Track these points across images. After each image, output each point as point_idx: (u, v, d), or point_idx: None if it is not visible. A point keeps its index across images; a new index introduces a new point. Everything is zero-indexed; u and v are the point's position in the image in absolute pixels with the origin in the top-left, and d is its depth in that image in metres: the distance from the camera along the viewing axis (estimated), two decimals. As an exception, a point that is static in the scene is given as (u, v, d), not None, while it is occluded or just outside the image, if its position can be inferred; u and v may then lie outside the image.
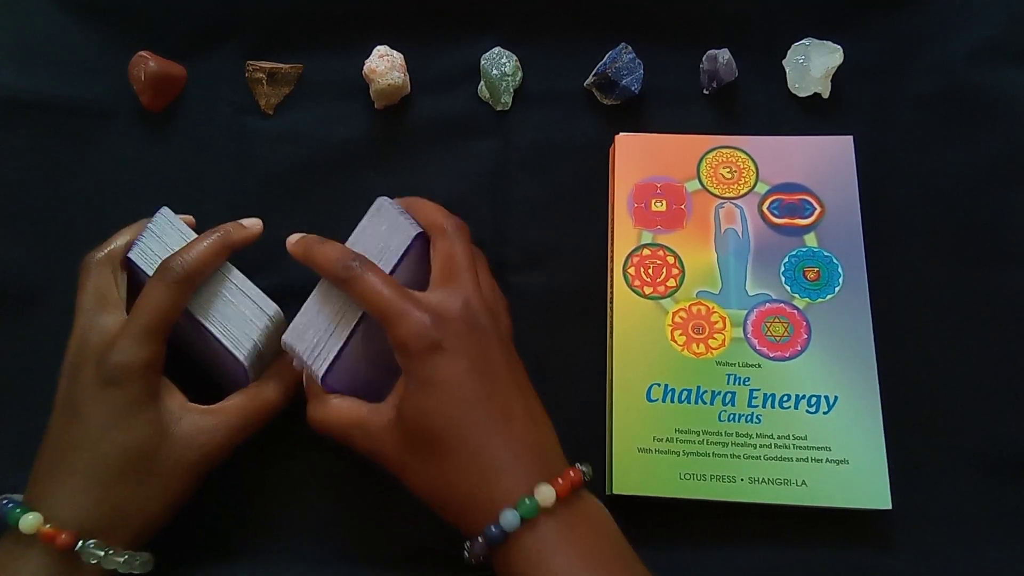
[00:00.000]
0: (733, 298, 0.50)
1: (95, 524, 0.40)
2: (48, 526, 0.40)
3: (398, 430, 0.41)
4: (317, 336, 0.44)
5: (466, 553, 0.40)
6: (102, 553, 0.40)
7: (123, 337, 0.42)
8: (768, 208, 0.52)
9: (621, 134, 0.54)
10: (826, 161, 0.53)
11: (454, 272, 0.43)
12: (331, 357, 0.43)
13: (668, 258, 0.51)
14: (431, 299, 0.42)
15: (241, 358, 0.45)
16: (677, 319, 0.50)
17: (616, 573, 0.38)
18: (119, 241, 0.47)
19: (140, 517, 0.42)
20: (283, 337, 0.45)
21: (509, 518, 0.38)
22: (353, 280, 0.42)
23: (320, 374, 0.43)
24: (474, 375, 0.41)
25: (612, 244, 0.52)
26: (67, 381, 0.43)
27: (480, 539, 0.39)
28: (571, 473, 0.40)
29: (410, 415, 0.40)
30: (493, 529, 0.38)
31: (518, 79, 0.58)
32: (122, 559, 0.40)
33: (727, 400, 0.48)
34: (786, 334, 0.49)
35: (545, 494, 0.38)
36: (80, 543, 0.40)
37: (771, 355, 0.49)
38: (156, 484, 0.42)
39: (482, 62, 0.58)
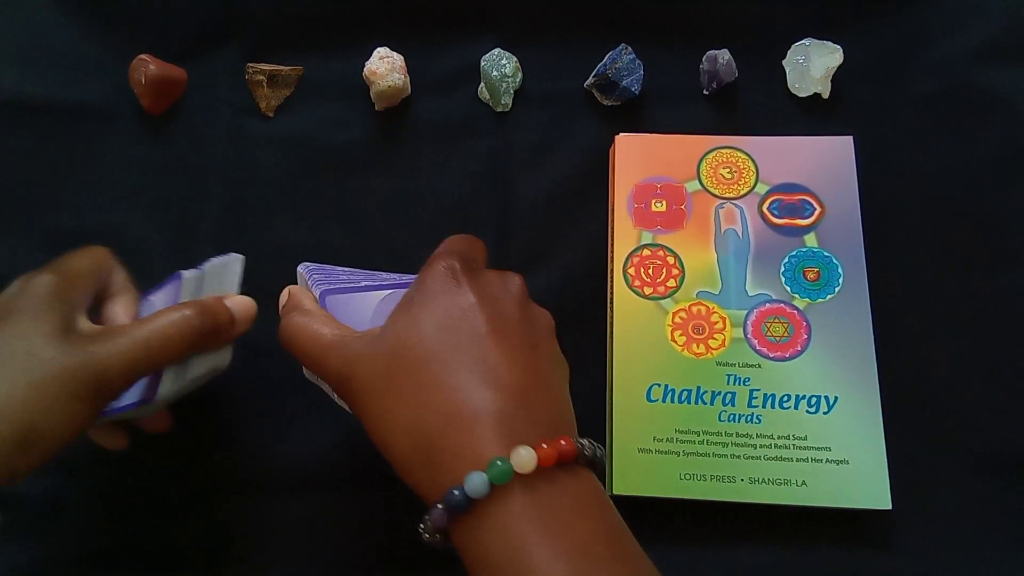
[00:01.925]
0: (733, 298, 0.50)
1: None
2: None
3: (380, 351, 0.37)
4: (337, 274, 0.44)
5: (422, 528, 0.34)
6: None
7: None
8: (768, 208, 0.52)
9: (621, 134, 0.54)
10: (826, 161, 0.53)
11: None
12: (340, 285, 0.42)
13: (668, 258, 0.51)
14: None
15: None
16: (677, 319, 0.50)
17: (604, 565, 0.33)
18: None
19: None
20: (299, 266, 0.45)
21: (476, 481, 0.32)
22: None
23: (319, 292, 0.42)
24: (484, 313, 0.37)
25: (612, 244, 0.52)
26: None
27: (440, 506, 0.33)
28: (562, 442, 0.34)
29: (401, 326, 0.37)
30: (456, 493, 0.32)
31: (518, 80, 0.58)
32: None
33: (727, 400, 0.48)
34: (786, 334, 0.49)
35: (523, 459, 0.33)
36: None
37: (771, 355, 0.49)
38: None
39: (482, 63, 0.58)
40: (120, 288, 0.45)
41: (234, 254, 0.46)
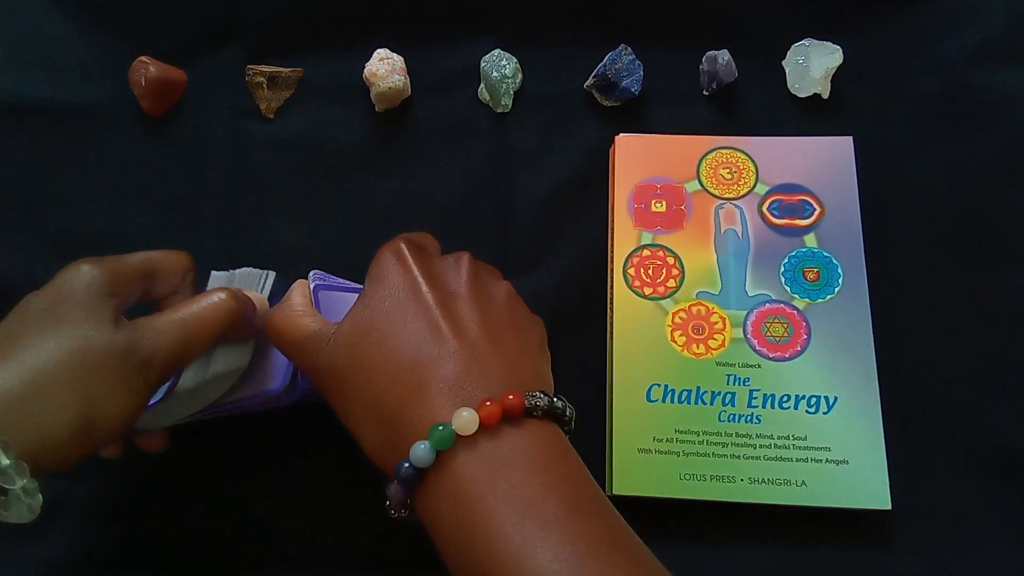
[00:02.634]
0: (733, 298, 0.50)
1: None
2: None
3: (340, 339, 0.38)
4: (333, 279, 0.45)
5: (387, 506, 0.35)
6: (6, 462, 0.33)
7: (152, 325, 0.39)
8: (768, 209, 0.52)
9: (621, 135, 0.55)
10: (826, 161, 0.53)
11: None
12: (334, 283, 0.43)
13: (668, 259, 0.51)
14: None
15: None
16: (677, 319, 0.50)
17: (557, 524, 0.31)
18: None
19: (53, 424, 0.35)
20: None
21: (420, 450, 0.32)
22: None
23: (313, 286, 0.43)
24: (429, 286, 0.38)
25: (612, 245, 0.52)
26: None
27: (392, 484, 0.33)
28: (509, 396, 0.33)
29: (356, 313, 0.38)
30: (405, 465, 0.33)
31: (518, 81, 0.58)
32: (19, 484, 0.33)
33: (727, 400, 0.48)
34: (786, 334, 0.49)
35: (464, 420, 0.32)
36: None
37: (771, 355, 0.49)
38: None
39: (482, 64, 0.58)
40: (183, 290, 0.45)
41: (270, 270, 0.48)
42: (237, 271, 0.48)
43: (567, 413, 0.36)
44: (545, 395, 0.35)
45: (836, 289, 0.50)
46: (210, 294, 0.42)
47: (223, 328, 0.41)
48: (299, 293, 0.42)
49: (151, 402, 0.42)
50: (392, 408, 0.35)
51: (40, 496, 0.34)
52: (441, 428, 0.32)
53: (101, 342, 0.37)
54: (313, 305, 0.42)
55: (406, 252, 0.39)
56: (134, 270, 0.41)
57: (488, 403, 0.33)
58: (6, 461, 0.33)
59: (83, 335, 0.37)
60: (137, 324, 0.39)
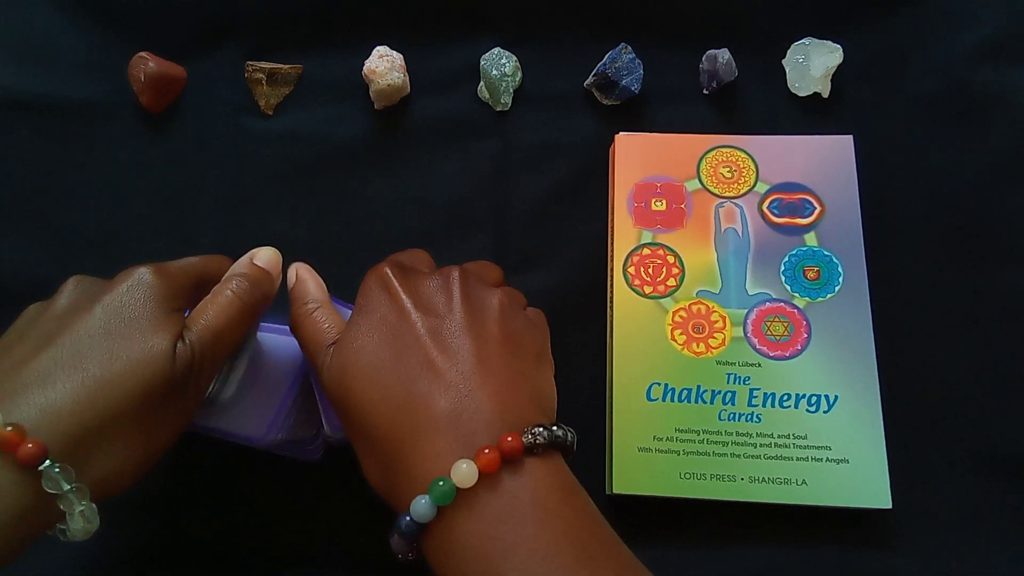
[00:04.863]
0: (733, 297, 0.50)
1: (68, 446, 0.33)
2: (10, 428, 0.32)
3: (334, 366, 0.37)
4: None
5: (392, 549, 0.34)
6: (68, 487, 0.32)
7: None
8: (768, 207, 0.52)
9: (621, 134, 0.54)
10: (826, 161, 0.53)
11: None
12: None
13: (668, 257, 0.51)
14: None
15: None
16: (677, 318, 0.50)
17: (572, 573, 0.31)
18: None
19: (120, 458, 0.35)
20: None
21: (421, 505, 0.32)
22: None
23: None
24: (419, 314, 0.36)
25: (612, 244, 0.52)
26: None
27: (395, 534, 0.33)
28: (508, 439, 0.32)
29: (346, 342, 0.37)
30: (407, 519, 0.32)
31: (518, 79, 0.58)
32: (80, 508, 0.33)
33: (727, 399, 0.48)
34: (786, 333, 0.49)
35: (463, 473, 0.32)
36: (48, 462, 0.32)
37: (771, 354, 0.49)
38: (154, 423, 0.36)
39: (482, 62, 0.58)
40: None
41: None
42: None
43: (568, 440, 0.35)
44: (544, 429, 0.34)
45: (836, 288, 0.50)
46: (227, 286, 0.39)
47: (251, 324, 0.40)
48: (312, 282, 0.41)
49: None
50: (390, 450, 0.34)
51: (97, 520, 0.35)
52: (441, 484, 0.32)
53: (167, 371, 0.35)
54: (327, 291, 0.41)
55: (392, 278, 0.38)
56: (191, 279, 0.39)
57: (487, 450, 0.32)
58: (67, 486, 0.32)
59: (151, 368, 0.35)
60: (188, 342, 0.36)
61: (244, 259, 0.42)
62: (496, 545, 0.31)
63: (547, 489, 0.33)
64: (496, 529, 0.32)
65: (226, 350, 0.39)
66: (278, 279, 0.43)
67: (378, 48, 0.57)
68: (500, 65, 0.57)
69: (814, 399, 0.47)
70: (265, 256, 0.42)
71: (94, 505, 0.34)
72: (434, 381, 0.35)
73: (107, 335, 0.35)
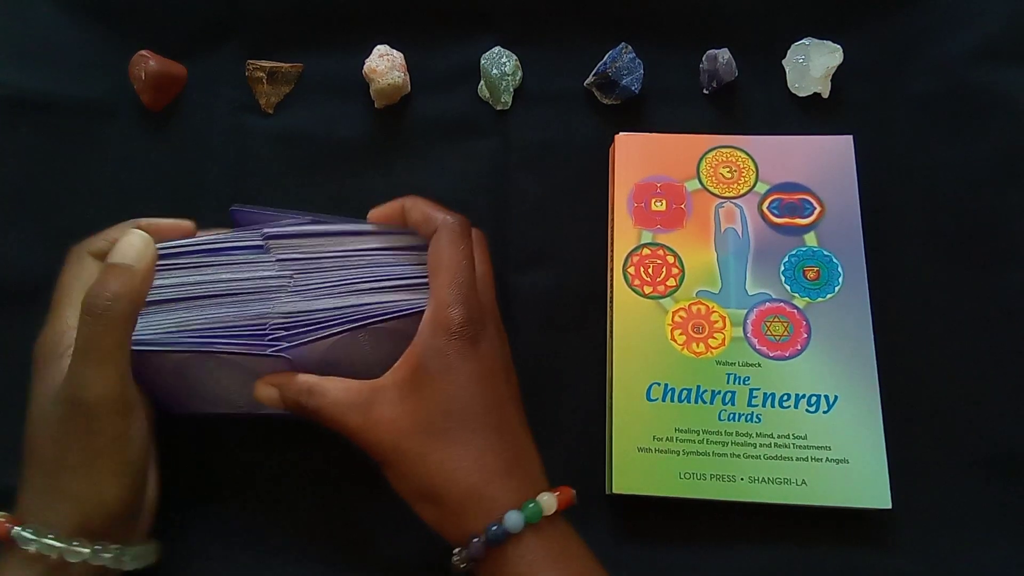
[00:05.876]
0: (733, 297, 0.50)
1: (41, 511, 0.38)
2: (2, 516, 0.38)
3: (407, 413, 0.40)
4: (272, 218, 0.46)
5: (455, 558, 0.39)
6: (36, 539, 0.37)
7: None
8: (768, 207, 0.52)
9: (621, 134, 0.54)
10: (826, 161, 0.53)
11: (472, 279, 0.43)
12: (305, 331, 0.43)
13: (668, 257, 0.51)
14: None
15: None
16: (677, 318, 0.50)
17: None
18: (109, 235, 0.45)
19: (92, 502, 0.38)
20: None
21: (514, 519, 0.38)
22: (456, 236, 0.43)
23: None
24: (503, 377, 0.42)
25: (612, 244, 0.52)
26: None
27: (477, 540, 0.38)
28: (569, 490, 0.41)
29: (433, 395, 0.40)
30: (495, 529, 0.38)
31: (518, 79, 0.58)
32: (88, 550, 0.37)
33: (727, 399, 0.48)
34: (786, 333, 0.49)
35: (548, 502, 0.39)
36: (14, 529, 0.37)
37: (771, 354, 0.49)
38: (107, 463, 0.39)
39: (482, 61, 0.58)
40: None
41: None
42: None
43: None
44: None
45: (836, 288, 0.50)
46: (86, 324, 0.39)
47: (132, 321, 0.40)
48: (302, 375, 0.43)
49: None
50: (466, 488, 0.39)
51: (149, 545, 0.42)
52: (532, 505, 0.38)
53: (122, 424, 0.39)
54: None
55: (476, 336, 0.41)
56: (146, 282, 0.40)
57: (559, 493, 0.40)
58: (58, 544, 0.37)
59: (114, 431, 0.39)
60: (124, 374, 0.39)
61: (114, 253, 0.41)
62: (553, 564, 0.39)
63: (578, 537, 0.41)
64: (550, 553, 0.39)
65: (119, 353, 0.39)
66: (149, 272, 0.41)
67: (379, 47, 0.57)
68: (500, 64, 0.57)
69: (814, 399, 0.47)
70: (126, 251, 0.40)
71: (105, 545, 0.38)
72: (509, 438, 0.42)
73: (60, 418, 0.39)
